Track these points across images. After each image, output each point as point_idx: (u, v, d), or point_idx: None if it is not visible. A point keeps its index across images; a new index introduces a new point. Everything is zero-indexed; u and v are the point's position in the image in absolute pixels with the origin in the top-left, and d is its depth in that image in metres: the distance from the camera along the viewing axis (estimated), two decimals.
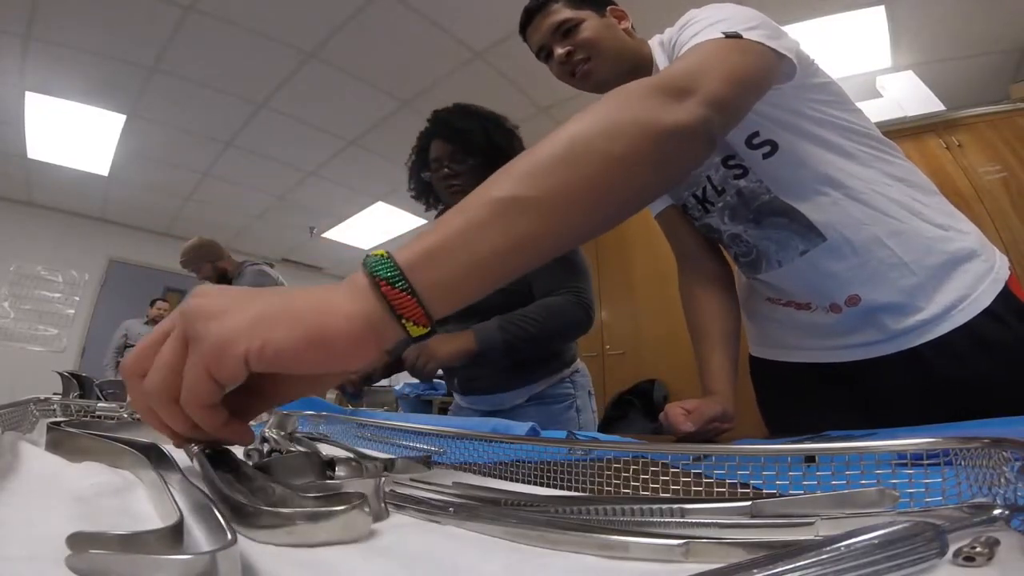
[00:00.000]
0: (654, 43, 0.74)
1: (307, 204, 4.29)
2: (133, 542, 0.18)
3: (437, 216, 1.11)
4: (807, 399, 0.74)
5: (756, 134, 0.65)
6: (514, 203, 0.32)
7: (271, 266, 2.40)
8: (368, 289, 0.30)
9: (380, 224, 4.53)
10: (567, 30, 0.73)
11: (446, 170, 1.02)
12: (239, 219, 4.66)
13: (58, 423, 0.41)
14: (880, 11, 2.24)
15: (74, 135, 3.27)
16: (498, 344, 0.93)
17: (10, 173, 3.80)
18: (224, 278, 2.32)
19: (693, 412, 0.61)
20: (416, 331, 0.30)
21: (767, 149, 0.65)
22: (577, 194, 0.34)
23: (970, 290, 0.63)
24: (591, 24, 0.72)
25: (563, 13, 0.73)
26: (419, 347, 0.90)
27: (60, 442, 0.37)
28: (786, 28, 0.61)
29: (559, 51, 0.73)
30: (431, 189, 1.10)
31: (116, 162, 3.62)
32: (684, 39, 0.57)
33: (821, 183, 0.65)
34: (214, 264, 2.30)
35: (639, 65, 0.73)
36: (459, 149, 1.01)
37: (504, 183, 0.33)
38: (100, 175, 3.83)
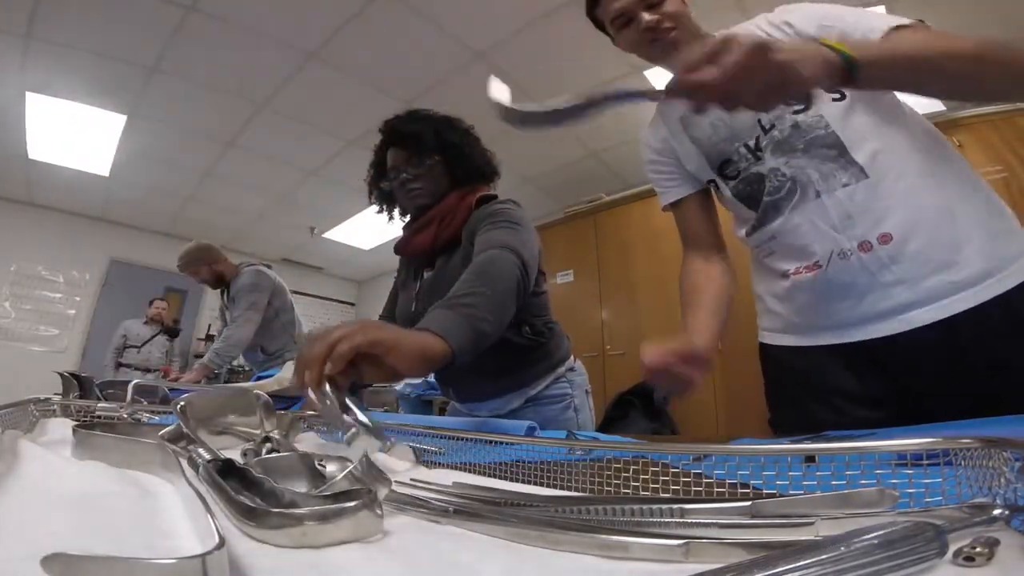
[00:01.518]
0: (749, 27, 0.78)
1: (307, 204, 4.29)
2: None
3: (404, 227, 1.12)
4: (824, 389, 0.73)
5: None
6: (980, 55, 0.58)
7: (268, 267, 2.40)
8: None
9: (380, 224, 4.50)
10: (655, 2, 0.78)
11: (404, 175, 1.03)
12: (240, 219, 4.65)
13: (87, 424, 0.41)
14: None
15: (75, 135, 3.27)
16: (476, 326, 0.68)
17: (10, 173, 3.79)
18: (221, 281, 2.33)
19: (661, 348, 0.65)
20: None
21: (836, 95, 0.70)
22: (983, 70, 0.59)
23: (1009, 261, 0.63)
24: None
25: None
26: (363, 325, 0.55)
27: (85, 441, 0.37)
28: None
29: (648, 18, 0.77)
30: (392, 199, 1.12)
31: (117, 162, 3.62)
32: (872, 25, 0.67)
33: (878, 127, 0.70)
34: (211, 267, 2.32)
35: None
36: (413, 153, 1.02)
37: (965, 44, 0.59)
38: (101, 175, 3.82)
